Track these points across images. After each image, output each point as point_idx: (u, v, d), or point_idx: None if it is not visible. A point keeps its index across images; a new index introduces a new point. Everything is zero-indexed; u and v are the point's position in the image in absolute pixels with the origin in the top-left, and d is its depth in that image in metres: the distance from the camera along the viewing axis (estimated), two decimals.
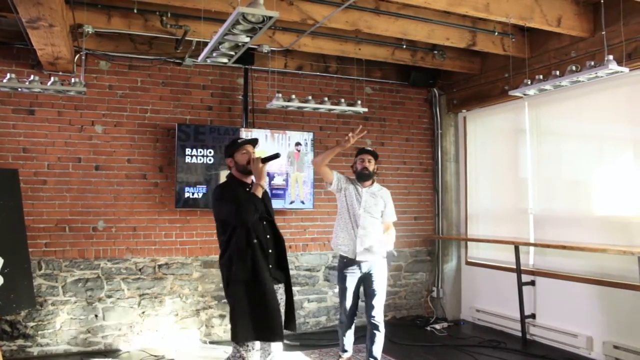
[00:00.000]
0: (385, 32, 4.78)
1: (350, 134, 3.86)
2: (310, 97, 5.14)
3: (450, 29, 4.95)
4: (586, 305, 4.72)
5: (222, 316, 5.32)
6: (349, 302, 4.07)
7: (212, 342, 5.24)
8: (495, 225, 5.95)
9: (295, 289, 5.57)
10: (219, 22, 3.86)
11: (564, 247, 4.75)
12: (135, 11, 4.33)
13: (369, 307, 4.04)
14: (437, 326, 5.81)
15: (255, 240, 3.03)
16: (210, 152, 5.22)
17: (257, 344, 3.05)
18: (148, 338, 5.08)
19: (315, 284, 5.81)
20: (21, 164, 4.77)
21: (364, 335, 4.16)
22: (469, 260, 6.27)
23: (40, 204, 4.85)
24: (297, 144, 5.60)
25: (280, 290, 3.22)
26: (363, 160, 4.10)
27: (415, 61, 5.68)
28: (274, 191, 5.45)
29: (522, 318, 5.21)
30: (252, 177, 3.20)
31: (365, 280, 4.06)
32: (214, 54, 3.53)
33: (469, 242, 6.27)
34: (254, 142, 3.29)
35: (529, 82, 4.26)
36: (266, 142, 5.43)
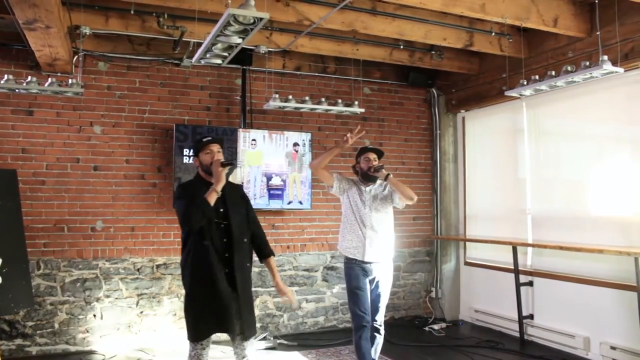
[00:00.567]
0: (382, 33, 4.79)
1: (348, 135, 3.70)
2: (307, 98, 5.13)
3: (447, 30, 4.95)
4: (584, 306, 4.71)
5: None
6: (366, 302, 3.82)
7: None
8: (494, 226, 5.94)
9: (293, 289, 5.63)
10: (214, 23, 3.86)
11: (561, 248, 4.76)
12: (132, 12, 4.34)
13: (374, 310, 3.87)
14: (436, 326, 5.81)
15: (206, 242, 2.95)
16: None
17: (210, 341, 3.01)
18: (146, 338, 5.10)
19: (313, 284, 5.82)
20: (20, 165, 4.80)
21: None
22: (467, 260, 6.27)
23: (39, 204, 4.88)
24: (295, 144, 5.61)
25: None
26: (368, 159, 3.91)
27: (413, 62, 5.69)
28: (271, 191, 5.47)
29: (520, 318, 5.21)
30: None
31: (372, 282, 3.90)
32: (208, 55, 3.54)
33: (467, 243, 6.26)
34: (219, 142, 3.17)
35: (525, 83, 4.26)
36: (264, 142, 5.44)
